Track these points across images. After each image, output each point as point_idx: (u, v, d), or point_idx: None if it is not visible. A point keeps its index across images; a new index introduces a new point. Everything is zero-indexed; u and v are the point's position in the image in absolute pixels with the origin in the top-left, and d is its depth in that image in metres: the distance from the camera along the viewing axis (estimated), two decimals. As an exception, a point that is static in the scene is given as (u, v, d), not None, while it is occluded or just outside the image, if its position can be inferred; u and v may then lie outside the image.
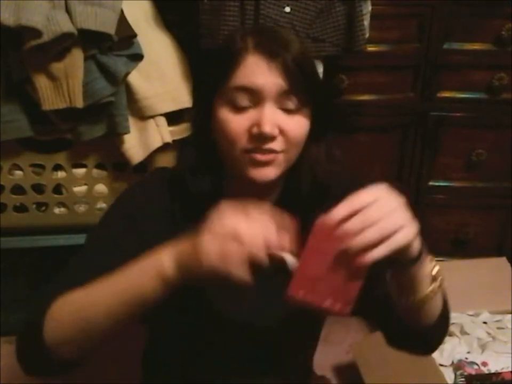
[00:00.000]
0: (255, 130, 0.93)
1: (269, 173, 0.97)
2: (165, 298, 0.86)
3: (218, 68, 0.96)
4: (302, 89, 0.94)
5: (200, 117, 1.02)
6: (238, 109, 0.94)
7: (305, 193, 1.03)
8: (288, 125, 0.95)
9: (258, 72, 0.93)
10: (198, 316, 1.05)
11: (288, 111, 0.95)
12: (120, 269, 0.87)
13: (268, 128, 0.92)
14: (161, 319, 1.09)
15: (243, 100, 0.94)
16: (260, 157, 0.95)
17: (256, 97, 0.93)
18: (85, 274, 0.92)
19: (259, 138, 0.94)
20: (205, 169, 1.01)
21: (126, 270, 0.86)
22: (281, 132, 0.95)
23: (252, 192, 1.00)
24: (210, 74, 0.99)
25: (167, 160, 1.70)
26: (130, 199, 1.05)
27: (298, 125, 0.96)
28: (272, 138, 0.94)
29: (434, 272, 0.92)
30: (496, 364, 1.65)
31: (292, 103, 0.95)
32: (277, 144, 0.95)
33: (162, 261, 0.83)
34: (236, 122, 0.94)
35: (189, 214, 1.03)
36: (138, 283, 0.84)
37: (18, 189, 1.70)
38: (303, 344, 1.17)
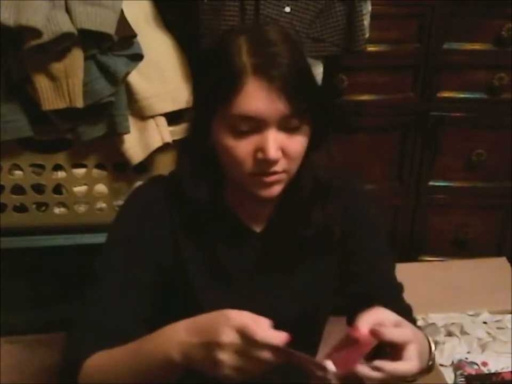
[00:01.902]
0: (260, 155, 0.93)
1: (274, 191, 0.98)
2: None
3: (217, 90, 0.94)
4: (302, 110, 0.93)
5: (197, 129, 1.01)
6: (240, 134, 0.93)
7: (307, 195, 1.03)
8: (289, 146, 0.95)
9: (260, 99, 0.91)
10: None
11: (289, 132, 0.94)
12: (139, 344, 0.90)
13: (272, 155, 0.92)
14: (162, 321, 1.09)
15: (245, 126, 0.93)
16: (265, 179, 0.96)
17: (258, 123, 0.92)
18: (106, 314, 0.99)
19: (264, 163, 0.94)
20: (204, 178, 1.01)
21: (143, 348, 0.89)
22: (283, 153, 0.95)
23: (253, 198, 1.00)
24: (208, 93, 0.97)
25: (167, 160, 1.70)
26: (131, 221, 1.05)
27: (299, 144, 0.96)
28: (276, 161, 0.94)
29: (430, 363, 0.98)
30: (496, 364, 1.65)
31: (293, 124, 0.94)
32: (279, 166, 0.95)
33: (171, 354, 0.84)
34: (240, 148, 0.94)
35: (189, 221, 1.04)
36: (154, 365, 0.87)
37: (18, 189, 1.70)
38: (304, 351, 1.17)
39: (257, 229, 1.08)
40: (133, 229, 1.04)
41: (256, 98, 0.91)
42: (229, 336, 0.78)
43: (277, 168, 0.95)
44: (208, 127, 0.97)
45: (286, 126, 0.94)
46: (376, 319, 0.84)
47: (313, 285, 1.10)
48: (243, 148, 0.94)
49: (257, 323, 0.79)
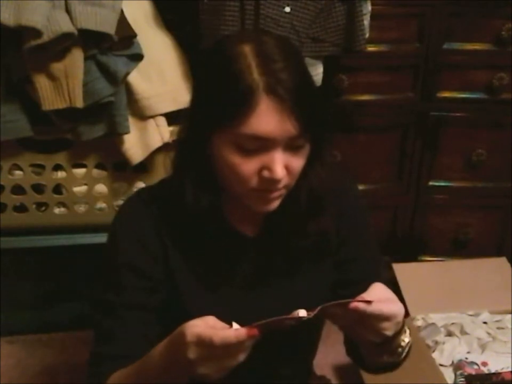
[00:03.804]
0: (266, 174, 0.93)
1: (274, 205, 0.98)
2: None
3: (226, 108, 0.91)
4: (309, 129, 0.93)
5: (195, 140, 0.99)
6: (247, 152, 0.92)
7: (302, 205, 1.03)
8: (293, 164, 0.95)
9: (272, 120, 0.89)
10: None
11: (293, 150, 0.94)
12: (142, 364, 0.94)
13: (279, 174, 0.92)
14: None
15: (252, 145, 0.92)
16: (268, 195, 0.96)
17: (266, 142, 0.91)
18: (121, 342, 1.01)
19: (269, 181, 0.93)
20: (203, 185, 1.00)
21: (146, 367, 0.93)
22: (287, 170, 0.94)
23: (249, 208, 1.00)
24: (214, 108, 0.94)
25: (167, 160, 1.69)
26: (124, 244, 1.05)
27: (301, 161, 0.96)
28: (281, 180, 0.94)
29: (404, 343, 0.99)
30: (496, 363, 1.65)
31: (298, 143, 0.94)
32: (282, 183, 0.95)
33: (164, 373, 0.89)
34: (245, 166, 0.93)
35: (178, 231, 1.03)
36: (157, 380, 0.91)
37: (18, 189, 1.70)
38: (302, 353, 1.17)
39: (250, 234, 1.07)
40: (127, 253, 1.04)
41: (269, 119, 0.89)
42: (193, 352, 0.81)
43: (280, 185, 0.95)
44: (208, 138, 0.96)
45: (292, 145, 0.93)
46: (382, 297, 0.90)
47: (311, 288, 1.09)
48: (248, 165, 0.93)
49: (211, 328, 0.81)
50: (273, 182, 0.93)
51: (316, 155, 1.00)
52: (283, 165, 0.93)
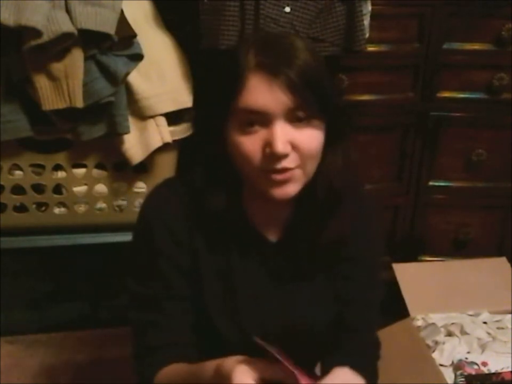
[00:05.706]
0: (267, 150, 0.93)
1: (289, 190, 0.97)
2: None
3: (223, 89, 0.96)
4: (309, 103, 0.92)
5: (208, 133, 1.01)
6: (248, 130, 0.94)
7: (322, 200, 1.02)
8: (299, 139, 0.94)
9: (261, 93, 0.91)
10: (207, 340, 1.06)
11: (298, 125, 0.94)
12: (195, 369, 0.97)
13: (279, 148, 0.92)
14: None
15: (252, 121, 0.93)
16: (277, 176, 0.95)
17: (263, 117, 0.92)
18: (163, 332, 1.04)
19: (273, 158, 0.93)
20: (220, 185, 1.01)
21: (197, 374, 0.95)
22: (294, 147, 0.94)
23: (270, 203, 0.99)
24: (215, 94, 0.99)
25: (167, 160, 1.70)
26: (156, 231, 1.05)
27: (310, 138, 0.95)
28: (285, 156, 0.93)
29: None
30: (496, 363, 1.65)
31: (301, 117, 0.93)
32: (290, 161, 0.94)
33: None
34: (248, 144, 0.94)
35: (204, 227, 1.04)
36: None
37: (18, 189, 1.70)
38: (306, 359, 1.17)
39: (273, 238, 1.07)
40: (164, 243, 1.04)
41: (258, 92, 0.91)
42: None
43: (288, 164, 0.94)
44: (219, 129, 0.98)
45: (293, 118, 0.93)
46: None
47: (324, 295, 1.09)
48: (252, 143, 0.94)
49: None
50: (276, 158, 0.93)
51: (334, 143, 0.99)
52: (285, 140, 0.92)
